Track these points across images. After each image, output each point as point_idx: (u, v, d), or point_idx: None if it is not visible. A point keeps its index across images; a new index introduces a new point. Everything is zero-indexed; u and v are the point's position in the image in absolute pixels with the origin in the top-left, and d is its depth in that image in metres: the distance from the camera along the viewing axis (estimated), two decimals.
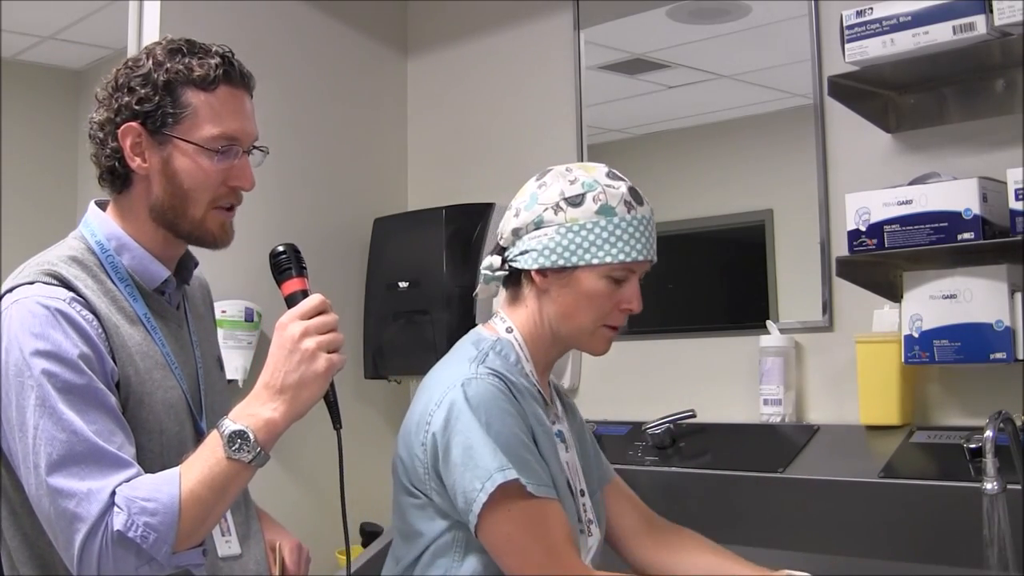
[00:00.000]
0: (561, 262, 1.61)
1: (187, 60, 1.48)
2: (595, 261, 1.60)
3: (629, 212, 1.62)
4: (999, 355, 2.06)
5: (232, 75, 1.50)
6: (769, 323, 2.53)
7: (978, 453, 1.97)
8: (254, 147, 1.54)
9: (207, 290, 1.75)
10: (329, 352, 1.40)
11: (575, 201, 1.62)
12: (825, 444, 2.35)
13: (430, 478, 1.57)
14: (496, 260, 1.69)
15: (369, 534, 2.83)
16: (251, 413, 1.38)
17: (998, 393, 2.12)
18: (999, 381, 2.14)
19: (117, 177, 1.51)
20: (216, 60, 1.49)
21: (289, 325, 1.41)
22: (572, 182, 1.63)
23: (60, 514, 1.31)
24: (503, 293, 1.74)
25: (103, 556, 1.30)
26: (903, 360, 2.19)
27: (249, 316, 2.93)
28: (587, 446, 1.80)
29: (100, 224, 1.52)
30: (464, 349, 1.66)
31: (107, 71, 1.54)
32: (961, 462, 2.06)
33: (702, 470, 2.45)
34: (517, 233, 1.65)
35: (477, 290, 1.74)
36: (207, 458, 1.36)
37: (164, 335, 1.51)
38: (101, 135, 1.50)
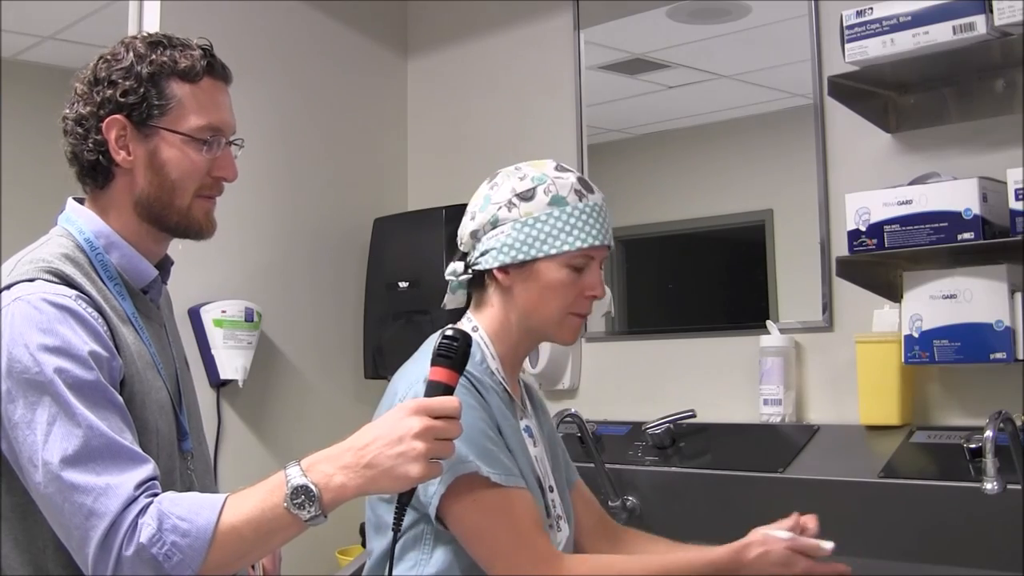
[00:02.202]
0: (521, 256, 1.64)
1: (170, 52, 1.47)
2: (553, 251, 1.64)
3: (580, 200, 1.66)
4: (999, 355, 2.05)
5: (215, 67, 1.51)
6: (769, 323, 2.53)
7: (978, 453, 1.97)
8: (231, 140, 1.54)
9: (166, 290, 1.72)
10: (433, 459, 1.31)
11: (527, 196, 1.65)
12: (825, 444, 2.35)
13: None
14: (459, 265, 1.72)
15: None
16: (325, 472, 1.30)
17: (998, 393, 2.12)
18: (999, 381, 2.14)
19: (99, 172, 1.49)
20: (198, 52, 1.49)
21: (414, 415, 1.31)
22: (522, 178, 1.68)
23: (76, 510, 1.27)
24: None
25: (120, 562, 1.26)
26: (903, 360, 2.19)
27: (249, 316, 2.93)
28: (555, 444, 1.83)
29: (87, 221, 1.50)
30: (431, 344, 1.67)
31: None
32: (961, 462, 2.06)
33: (702, 470, 2.44)
34: (475, 235, 1.69)
35: (444, 300, 1.76)
36: (263, 499, 1.30)
37: (149, 335, 1.49)
38: (81, 130, 1.48)
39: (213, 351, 2.88)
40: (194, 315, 2.89)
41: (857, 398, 2.31)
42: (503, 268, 1.66)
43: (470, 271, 1.71)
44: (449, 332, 1.39)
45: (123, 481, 1.28)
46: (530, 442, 1.70)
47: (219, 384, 2.92)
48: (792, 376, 2.49)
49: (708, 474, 2.42)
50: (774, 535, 1.60)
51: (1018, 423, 1.98)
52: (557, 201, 1.65)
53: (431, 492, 1.53)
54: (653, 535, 1.88)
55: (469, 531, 1.55)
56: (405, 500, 1.36)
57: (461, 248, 1.73)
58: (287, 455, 1.37)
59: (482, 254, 1.68)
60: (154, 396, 1.44)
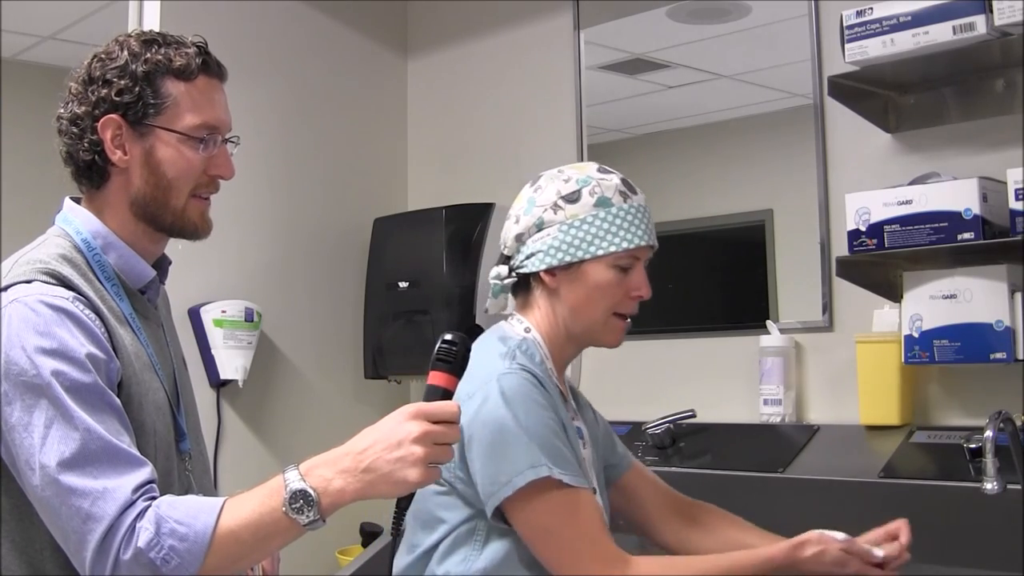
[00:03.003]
0: (567, 258, 1.65)
1: (165, 51, 1.47)
2: (600, 252, 1.64)
3: (625, 201, 1.67)
4: (999, 355, 2.05)
5: (210, 65, 1.50)
6: (769, 323, 2.53)
7: (978, 453, 1.97)
8: (227, 139, 1.53)
9: (164, 290, 1.71)
10: (431, 463, 1.30)
11: (572, 197, 1.66)
12: (825, 444, 2.35)
13: (457, 467, 1.59)
14: (503, 269, 1.72)
15: (369, 534, 2.84)
16: (324, 476, 1.29)
17: (998, 393, 2.12)
18: (999, 381, 2.14)
19: (95, 172, 1.48)
20: (193, 50, 1.48)
21: (412, 419, 1.30)
22: (566, 181, 1.68)
23: (73, 514, 1.27)
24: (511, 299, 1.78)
25: (118, 565, 1.25)
26: (903, 360, 2.19)
27: (249, 316, 2.93)
28: (599, 443, 1.83)
29: (84, 221, 1.49)
30: (492, 345, 1.69)
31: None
32: (961, 462, 2.06)
33: (702, 470, 2.44)
34: (520, 239, 1.69)
35: (487, 305, 1.77)
36: (261, 503, 1.29)
37: (147, 335, 1.49)
38: (76, 130, 1.47)
39: (213, 351, 2.88)
40: (194, 315, 2.89)
41: (857, 398, 2.31)
42: (550, 270, 1.67)
43: (514, 275, 1.71)
44: (448, 336, 1.38)
45: (121, 484, 1.28)
46: (580, 443, 1.71)
47: (219, 384, 2.92)
48: (792, 376, 2.49)
49: (708, 474, 2.42)
50: (830, 535, 1.60)
51: (1018, 423, 1.98)
52: (603, 202, 1.66)
53: (494, 492, 1.54)
54: (728, 512, 1.87)
55: (536, 531, 1.56)
56: (404, 504, 1.36)
57: (504, 252, 1.74)
58: (287, 455, 1.37)
59: (527, 257, 1.68)
60: (151, 397, 1.44)
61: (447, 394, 1.36)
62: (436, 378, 1.36)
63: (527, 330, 1.70)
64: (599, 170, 1.70)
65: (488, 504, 1.55)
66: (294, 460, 1.33)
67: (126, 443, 1.32)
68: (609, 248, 1.64)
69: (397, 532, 1.37)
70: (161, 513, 1.27)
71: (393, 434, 1.30)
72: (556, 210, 1.66)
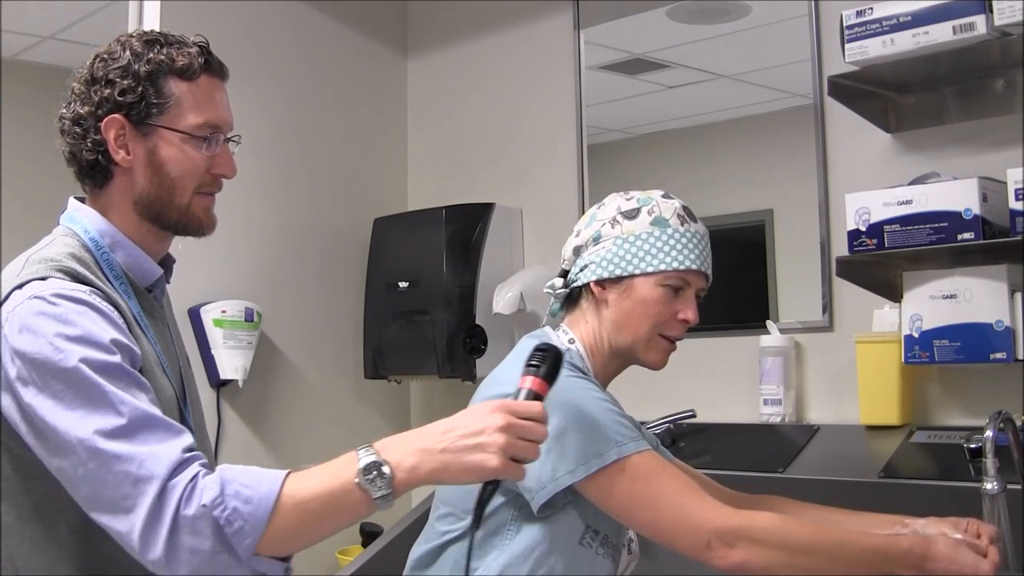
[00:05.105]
0: (618, 272, 1.68)
1: (167, 50, 1.47)
2: (650, 269, 1.67)
3: (682, 225, 1.69)
4: (999, 355, 2.06)
5: (212, 64, 1.51)
6: (769, 323, 2.53)
7: (978, 453, 1.97)
8: (229, 138, 1.54)
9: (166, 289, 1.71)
10: (513, 458, 1.29)
11: (631, 214, 1.70)
12: (825, 444, 2.35)
13: None
14: (558, 281, 1.76)
15: (369, 534, 2.83)
16: (399, 453, 1.29)
17: (998, 393, 2.12)
18: (999, 381, 2.14)
19: (98, 172, 1.48)
20: (195, 50, 1.49)
21: (500, 412, 1.31)
22: (628, 199, 1.72)
23: (122, 479, 1.24)
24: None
25: (177, 522, 1.22)
26: (903, 360, 2.19)
27: (249, 316, 2.94)
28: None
29: (91, 220, 1.49)
30: (522, 352, 1.68)
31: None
32: (961, 462, 2.06)
33: (702, 470, 2.43)
34: (578, 251, 1.73)
35: (544, 321, 1.80)
36: (331, 477, 1.28)
37: (154, 334, 1.49)
38: (79, 130, 1.47)
39: (213, 351, 2.88)
40: (194, 315, 2.89)
41: (857, 398, 2.31)
42: (600, 282, 1.70)
43: (568, 287, 1.74)
44: (542, 344, 1.42)
45: (166, 448, 1.26)
46: None
47: (219, 384, 2.92)
48: (792, 376, 2.49)
49: (708, 474, 2.41)
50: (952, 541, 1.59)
51: (1018, 423, 1.98)
52: (659, 222, 1.68)
53: (550, 479, 1.54)
54: (799, 501, 1.85)
55: (625, 501, 1.55)
56: (486, 496, 1.35)
57: (563, 265, 1.77)
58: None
59: (581, 269, 1.71)
60: (161, 395, 1.43)
61: (537, 397, 1.37)
62: (528, 381, 1.38)
63: (571, 341, 1.72)
64: (663, 195, 1.73)
65: (548, 488, 1.54)
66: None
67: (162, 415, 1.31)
68: (659, 266, 1.66)
69: (478, 523, 1.37)
70: (226, 476, 1.26)
71: (477, 421, 1.30)
72: (614, 225, 1.69)
